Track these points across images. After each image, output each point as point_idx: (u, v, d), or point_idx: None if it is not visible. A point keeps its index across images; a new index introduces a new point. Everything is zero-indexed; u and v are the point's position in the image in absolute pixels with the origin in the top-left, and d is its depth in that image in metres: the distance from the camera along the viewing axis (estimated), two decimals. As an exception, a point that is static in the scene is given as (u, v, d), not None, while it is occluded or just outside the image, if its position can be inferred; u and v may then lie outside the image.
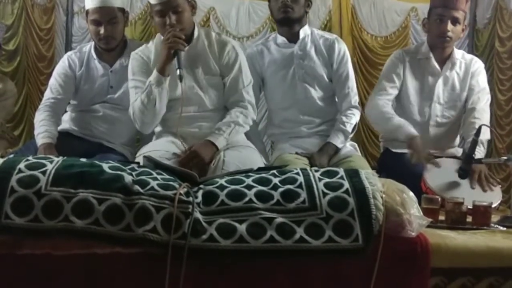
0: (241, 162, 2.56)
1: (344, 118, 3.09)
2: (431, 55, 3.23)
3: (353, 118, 3.12)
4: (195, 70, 2.82)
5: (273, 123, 3.24)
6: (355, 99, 3.15)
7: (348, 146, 3.12)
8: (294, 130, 3.15)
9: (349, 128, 3.09)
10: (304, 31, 3.15)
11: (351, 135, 3.15)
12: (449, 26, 3.12)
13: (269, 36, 3.43)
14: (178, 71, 2.64)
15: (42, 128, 2.91)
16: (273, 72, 3.15)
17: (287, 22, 3.10)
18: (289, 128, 3.16)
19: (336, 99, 3.18)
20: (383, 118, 3.17)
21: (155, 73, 2.69)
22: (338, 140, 3.05)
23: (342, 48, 3.18)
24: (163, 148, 2.68)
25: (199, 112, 2.84)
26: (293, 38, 3.14)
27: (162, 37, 2.76)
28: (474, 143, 2.74)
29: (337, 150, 3.04)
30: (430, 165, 2.85)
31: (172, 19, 2.70)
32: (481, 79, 3.28)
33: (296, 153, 3.03)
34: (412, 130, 3.05)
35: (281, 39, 3.16)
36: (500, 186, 2.86)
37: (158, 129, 2.92)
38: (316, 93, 3.13)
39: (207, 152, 2.63)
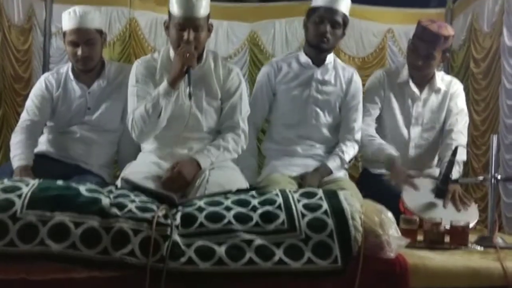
0: (225, 182, 2.55)
1: (344, 147, 3.10)
2: (409, 79, 3.26)
3: (352, 151, 3.13)
4: (197, 91, 2.78)
5: (272, 138, 3.22)
6: (358, 134, 3.16)
7: (340, 170, 3.12)
8: (290, 148, 3.13)
9: (347, 157, 3.10)
10: (329, 58, 3.17)
11: (346, 166, 3.16)
12: (420, 61, 3.14)
13: (291, 52, 3.46)
14: (188, 89, 2.62)
15: (18, 150, 2.88)
16: (288, 89, 3.14)
17: (319, 49, 3.11)
18: (286, 146, 3.14)
19: (340, 129, 3.17)
20: (365, 141, 3.19)
21: (165, 84, 2.67)
22: (334, 164, 3.05)
23: (359, 82, 3.21)
24: (146, 169, 2.66)
25: (193, 133, 2.83)
26: (317, 61, 3.15)
27: (172, 50, 2.79)
28: (451, 163, 2.77)
29: (330, 173, 3.03)
30: (408, 186, 2.87)
31: (190, 36, 2.69)
32: (460, 101, 3.31)
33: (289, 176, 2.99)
34: (392, 152, 3.08)
35: (305, 59, 3.15)
36: (476, 205, 2.89)
37: (147, 145, 2.87)
38: (324, 119, 3.13)
39: (190, 170, 2.62)
